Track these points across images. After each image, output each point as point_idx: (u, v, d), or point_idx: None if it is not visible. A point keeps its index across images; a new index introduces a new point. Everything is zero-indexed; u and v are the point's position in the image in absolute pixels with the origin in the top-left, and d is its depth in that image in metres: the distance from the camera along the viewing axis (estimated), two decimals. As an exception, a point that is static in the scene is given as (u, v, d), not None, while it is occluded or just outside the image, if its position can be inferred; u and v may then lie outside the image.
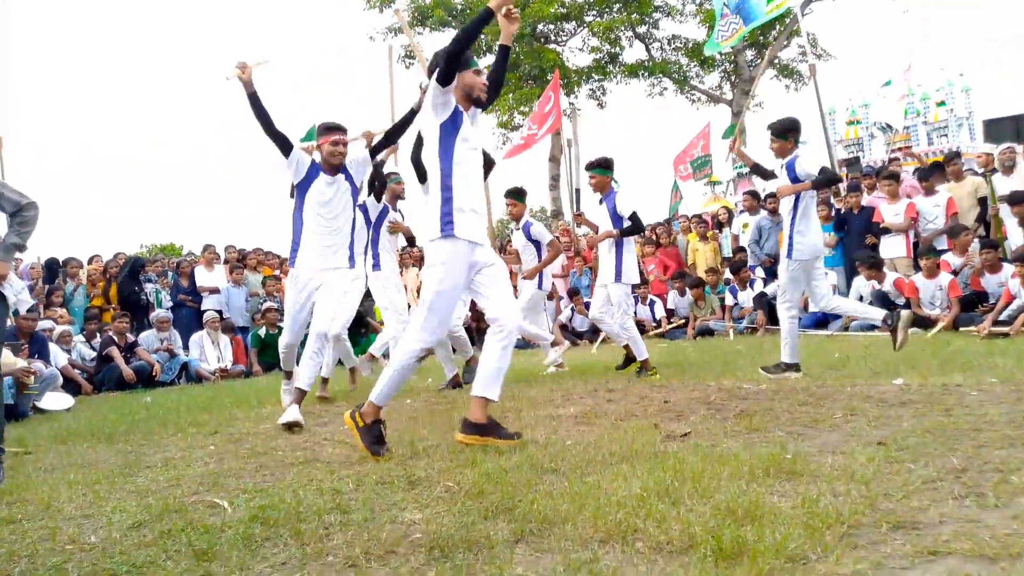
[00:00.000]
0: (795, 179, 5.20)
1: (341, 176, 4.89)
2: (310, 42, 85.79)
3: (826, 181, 5.30)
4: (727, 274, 10.84)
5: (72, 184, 74.76)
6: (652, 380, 5.59)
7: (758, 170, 5.90)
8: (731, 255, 11.34)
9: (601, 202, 6.12)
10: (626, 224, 5.93)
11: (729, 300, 10.24)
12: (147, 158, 75.47)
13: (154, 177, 74.63)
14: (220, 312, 10.46)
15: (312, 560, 2.09)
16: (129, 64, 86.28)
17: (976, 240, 8.32)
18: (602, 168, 6.10)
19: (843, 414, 3.62)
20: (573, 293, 11.31)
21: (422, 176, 5.27)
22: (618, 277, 6.03)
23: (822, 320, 9.34)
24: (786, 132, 5.31)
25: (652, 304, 11.08)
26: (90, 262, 11.18)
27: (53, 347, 8.10)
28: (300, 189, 4.89)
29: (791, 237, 5.28)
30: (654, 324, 10.86)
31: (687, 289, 10.57)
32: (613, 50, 21.14)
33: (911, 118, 23.32)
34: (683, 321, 10.65)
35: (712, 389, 4.81)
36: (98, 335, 9.29)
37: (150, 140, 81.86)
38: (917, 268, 8.36)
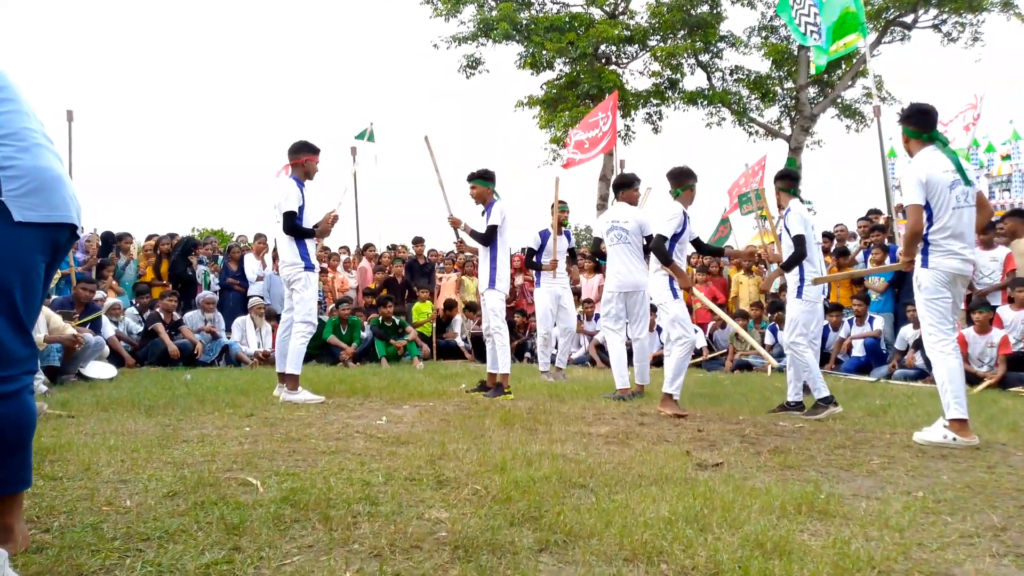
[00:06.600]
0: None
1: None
2: (375, 45, 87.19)
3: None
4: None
5: (136, 161, 76.63)
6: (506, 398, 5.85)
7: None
8: (775, 292, 11.16)
9: (483, 213, 6.26)
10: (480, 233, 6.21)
11: (769, 339, 10.07)
12: (209, 141, 77.26)
13: (213, 161, 76.27)
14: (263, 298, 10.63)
15: (338, 546, 2.12)
16: (201, 49, 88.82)
17: None
18: (483, 179, 6.25)
19: (880, 461, 3.55)
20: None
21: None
22: (492, 284, 6.20)
23: (863, 365, 9.15)
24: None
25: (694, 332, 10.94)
26: (148, 240, 11.47)
27: (103, 318, 8.35)
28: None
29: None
30: (693, 353, 10.73)
31: (730, 321, 10.42)
32: (674, 76, 21.04)
33: (975, 170, 22.69)
34: (722, 353, 10.52)
35: (747, 423, 4.75)
36: (148, 310, 9.54)
37: (214, 122, 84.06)
38: (969, 322, 8.14)
